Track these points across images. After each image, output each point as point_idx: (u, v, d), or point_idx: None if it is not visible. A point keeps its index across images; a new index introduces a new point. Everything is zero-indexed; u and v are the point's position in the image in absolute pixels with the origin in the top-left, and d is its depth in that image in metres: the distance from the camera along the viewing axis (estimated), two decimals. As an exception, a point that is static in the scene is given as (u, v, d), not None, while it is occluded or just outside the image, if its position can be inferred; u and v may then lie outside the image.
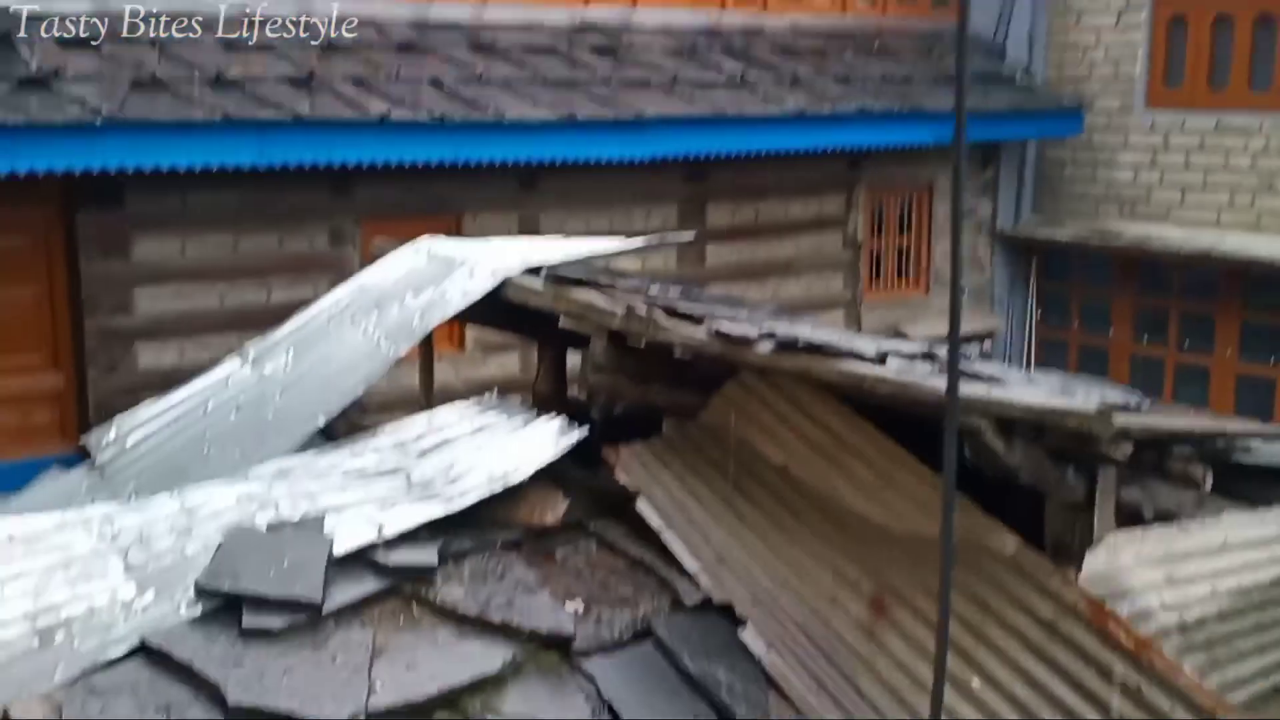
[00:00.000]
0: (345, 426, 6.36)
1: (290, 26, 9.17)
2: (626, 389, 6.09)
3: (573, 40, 10.59)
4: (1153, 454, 4.81)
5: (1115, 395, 4.89)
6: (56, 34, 8.07)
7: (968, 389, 4.59)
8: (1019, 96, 12.53)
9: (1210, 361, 12.47)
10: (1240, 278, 12.10)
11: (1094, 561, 4.27)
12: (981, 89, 12.21)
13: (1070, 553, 4.43)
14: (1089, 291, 13.41)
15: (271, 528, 4.69)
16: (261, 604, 4.20)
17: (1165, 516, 4.83)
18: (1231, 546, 4.67)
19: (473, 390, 8.34)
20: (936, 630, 2.49)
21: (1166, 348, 12.80)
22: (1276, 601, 4.75)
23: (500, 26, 10.34)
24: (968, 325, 13.29)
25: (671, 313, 5.70)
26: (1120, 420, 4.26)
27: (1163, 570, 4.45)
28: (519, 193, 10.17)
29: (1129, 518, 4.71)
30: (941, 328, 12.59)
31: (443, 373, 9.26)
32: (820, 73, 11.49)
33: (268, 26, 9.07)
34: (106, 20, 8.39)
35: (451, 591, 4.54)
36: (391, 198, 9.44)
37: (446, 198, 9.74)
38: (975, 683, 4.23)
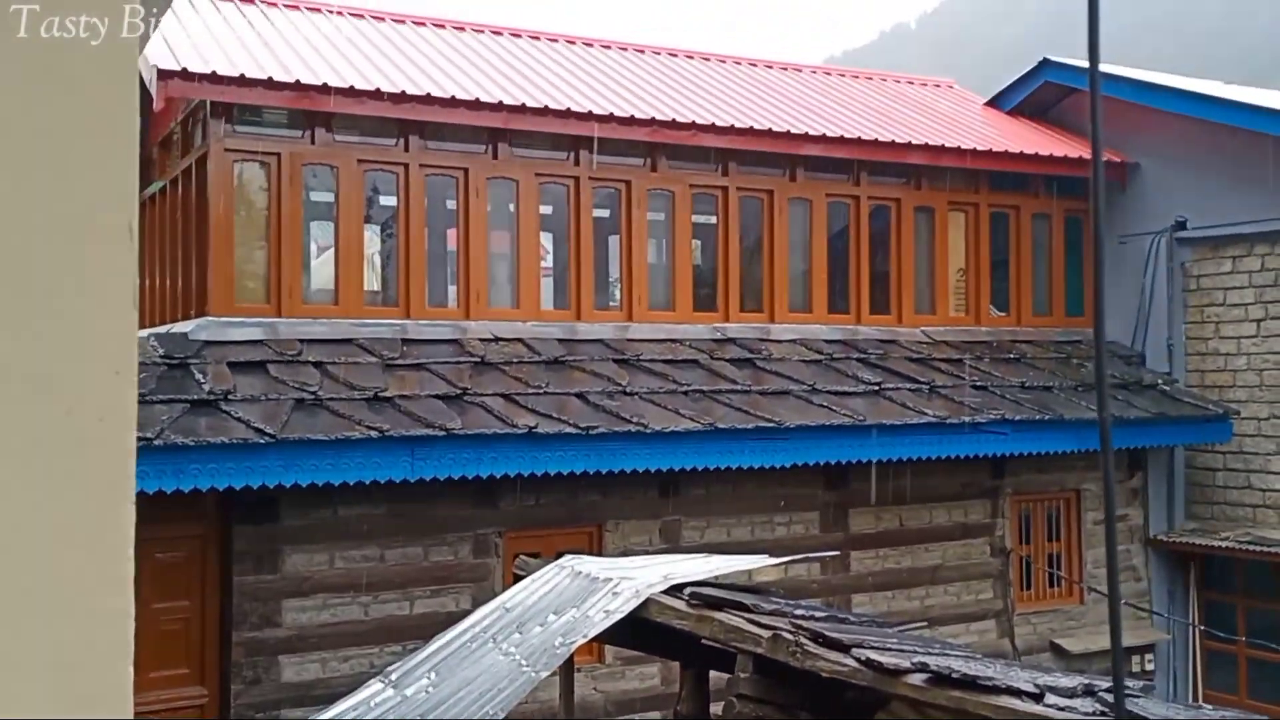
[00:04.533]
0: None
1: (445, 347, 9.74)
2: (772, 716, 5.90)
3: (713, 353, 10.96)
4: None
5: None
6: (230, 359, 8.71)
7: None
8: (1161, 403, 12.38)
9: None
10: None
11: None
12: (1123, 396, 12.14)
13: None
14: (1255, 603, 12.70)
15: None
16: None
17: None
18: None
19: (612, 704, 8.21)
20: None
21: (1347, 665, 11.92)
22: None
23: (644, 340, 10.79)
24: (1127, 639, 12.63)
25: (818, 638, 5.58)
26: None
27: None
28: (660, 501, 10.29)
29: None
30: (1100, 640, 12.07)
31: (580, 685, 9.14)
32: (957, 381, 11.58)
33: (424, 348, 9.64)
34: (276, 345, 9.05)
35: None
36: (534, 508, 9.65)
37: (588, 507, 9.91)
38: None
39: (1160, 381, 12.80)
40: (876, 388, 10.99)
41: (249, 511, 8.70)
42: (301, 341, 9.25)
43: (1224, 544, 12.54)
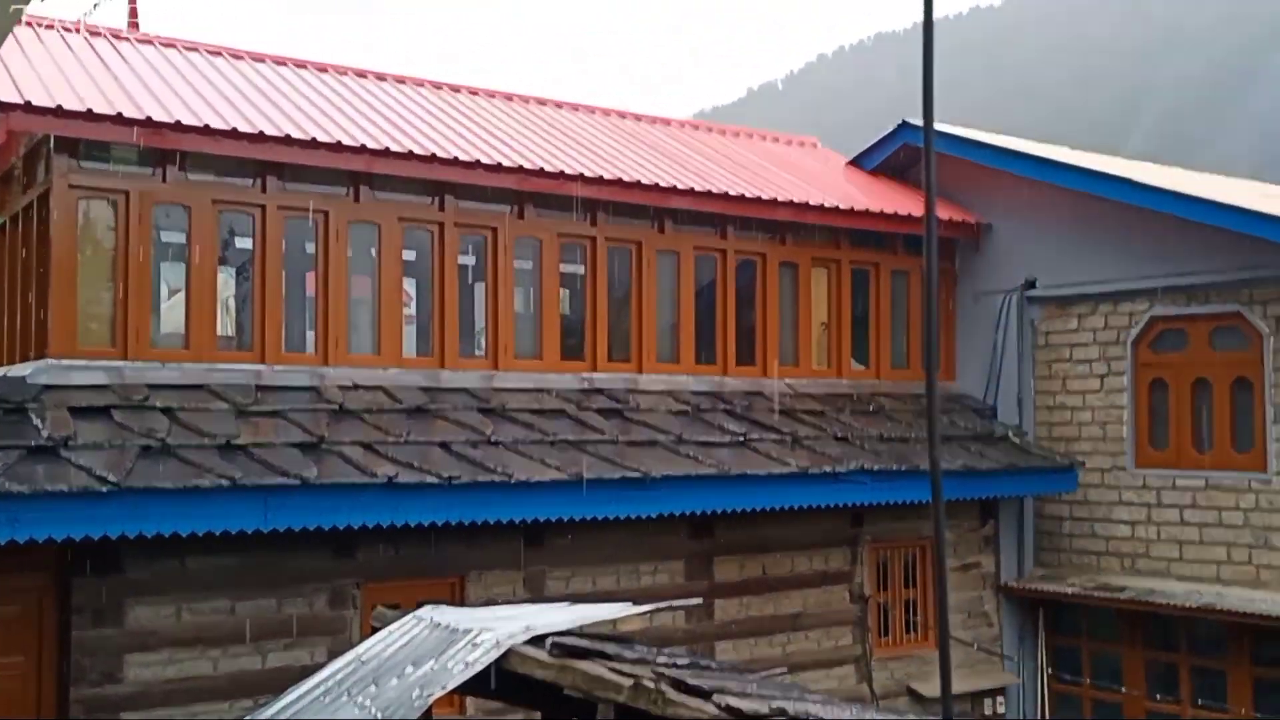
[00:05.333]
0: (337, 810, 6.03)
1: (303, 394, 9.50)
2: (634, 767, 5.84)
3: (580, 403, 10.94)
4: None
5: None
6: (71, 403, 8.34)
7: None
8: (1012, 455, 12.80)
9: (1226, 719, 12.06)
10: (1248, 633, 11.91)
11: None
12: (976, 448, 12.52)
13: None
14: (1099, 646, 13.16)
15: None
16: None
17: None
18: None
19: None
20: None
21: (1180, 704, 12.42)
22: None
23: (510, 390, 10.71)
24: (980, 681, 12.94)
25: (680, 685, 5.56)
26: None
27: None
28: (524, 551, 10.18)
29: None
30: (955, 684, 12.28)
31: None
32: (820, 433, 11.79)
33: (281, 395, 9.39)
34: (121, 390, 8.70)
35: None
36: (395, 559, 9.44)
37: (450, 559, 9.74)
38: None
39: (1011, 434, 13.25)
40: (742, 438, 11.10)
41: (90, 563, 8.30)
42: (149, 386, 8.91)
43: (1071, 590, 12.98)
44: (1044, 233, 13.81)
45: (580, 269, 11.68)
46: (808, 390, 12.79)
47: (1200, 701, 12.29)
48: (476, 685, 6.64)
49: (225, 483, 7.83)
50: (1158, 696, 12.59)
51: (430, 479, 8.65)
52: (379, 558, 9.40)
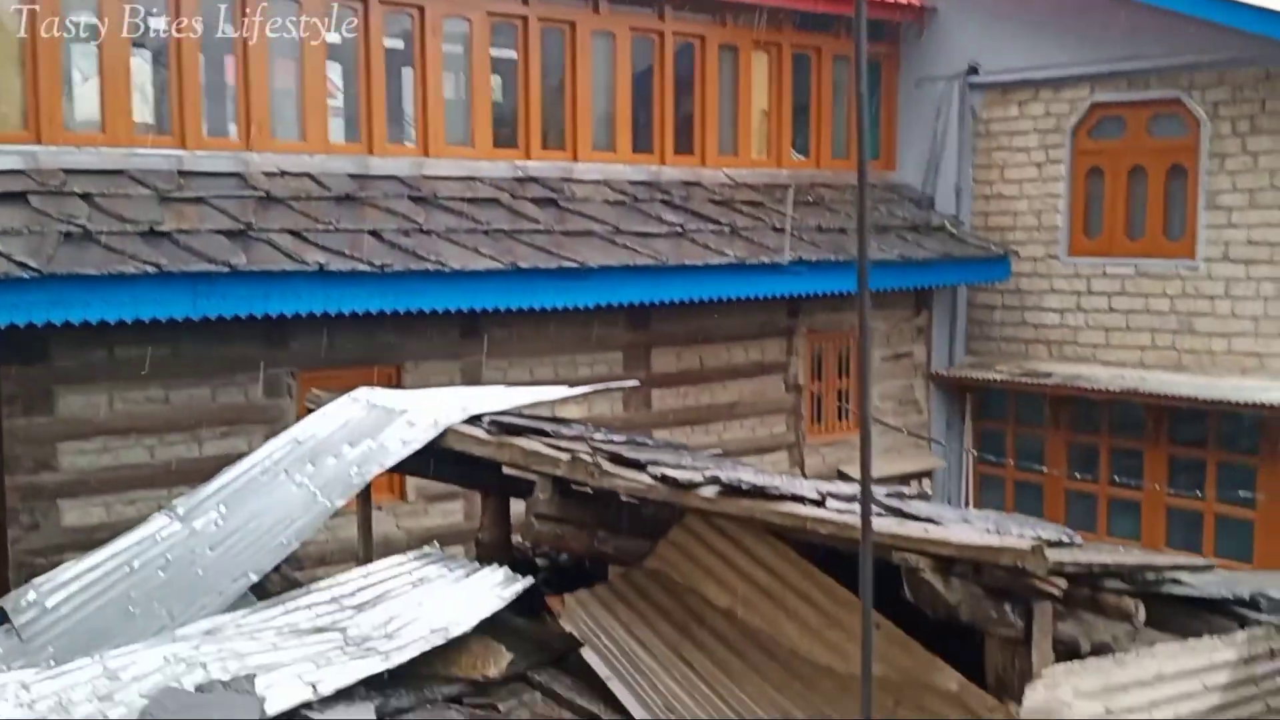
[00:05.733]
0: (280, 583, 6.15)
1: (227, 180, 9.22)
2: (571, 537, 6.01)
3: (514, 192, 10.75)
4: (1087, 589, 4.81)
5: (1048, 532, 4.91)
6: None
7: (906, 529, 4.63)
8: (948, 244, 12.87)
9: (1141, 495, 12.62)
10: (1165, 415, 12.35)
11: (1034, 696, 4.25)
12: (912, 238, 12.56)
13: (1010, 688, 4.42)
14: (1023, 430, 13.59)
15: (200, 689, 4.46)
16: (187, 773, 3.96)
17: (1101, 650, 4.84)
18: (1166, 678, 4.67)
19: (415, 541, 8.19)
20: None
21: (1099, 483, 12.96)
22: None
23: (442, 178, 10.48)
24: (907, 465, 13.37)
25: (616, 459, 5.66)
26: (1054, 556, 4.29)
27: (1101, 703, 4.43)
28: (460, 342, 10.16)
29: (1067, 652, 4.72)
30: (883, 467, 12.71)
31: (383, 523, 9.09)
32: (758, 224, 11.74)
33: (204, 181, 9.11)
34: (37, 175, 8.38)
35: (390, 752, 4.33)
36: (329, 349, 9.37)
37: (386, 348, 9.70)
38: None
39: (947, 224, 13.30)
40: (680, 229, 11.03)
41: (16, 352, 8.15)
42: (65, 172, 8.57)
43: (999, 377, 13.32)
44: (988, 16, 13.52)
45: (512, 53, 11.29)
46: (746, 180, 12.66)
47: (1117, 480, 12.82)
48: (416, 466, 6.72)
49: (152, 269, 7.65)
50: (1077, 475, 13.11)
51: (362, 267, 8.52)
52: (313, 347, 9.33)
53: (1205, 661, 4.92)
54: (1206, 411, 11.93)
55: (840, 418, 13.13)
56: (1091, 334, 13.07)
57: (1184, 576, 5.67)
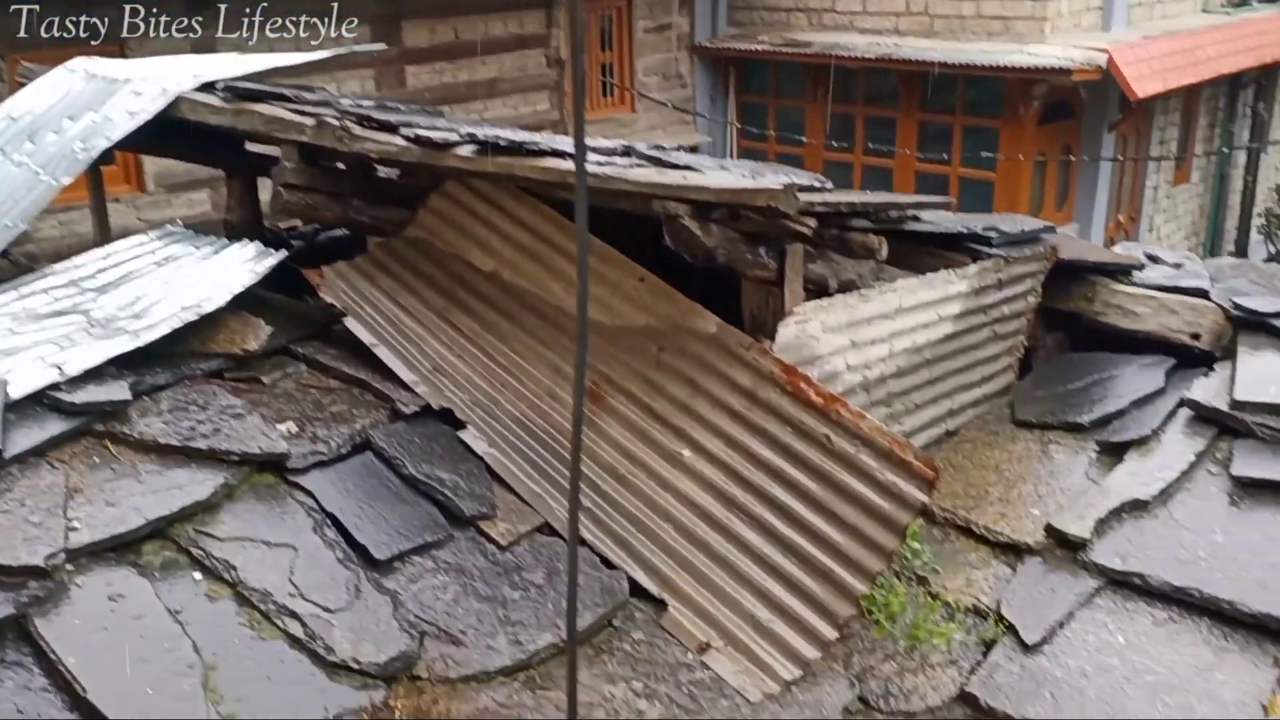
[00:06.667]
0: (10, 270, 5.75)
1: None
2: (324, 207, 5.76)
3: None
4: (835, 230, 5.02)
5: (803, 179, 5.05)
6: None
7: (665, 177, 4.64)
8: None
9: (893, 163, 13.19)
10: (917, 83, 12.73)
11: (785, 332, 4.48)
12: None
13: (765, 326, 4.63)
14: (784, 102, 13.81)
15: (-71, 378, 4.19)
16: (-74, 457, 3.77)
17: (847, 287, 5.12)
18: (905, 310, 5.01)
19: (158, 231, 7.75)
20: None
21: (854, 151, 13.43)
22: (944, 358, 5.17)
23: None
24: (671, 141, 13.44)
25: (366, 121, 5.39)
26: (804, 196, 4.41)
27: (847, 335, 4.72)
28: (188, 12, 9.32)
29: (816, 291, 4.97)
30: (649, 140, 12.69)
31: (123, 215, 8.58)
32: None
33: None
34: None
35: (150, 425, 4.21)
36: (41, 24, 8.45)
37: (106, 23, 8.82)
38: (685, 454, 4.38)
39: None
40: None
41: None
42: None
43: (761, 47, 13.34)
44: None
45: None
46: None
47: (871, 147, 13.31)
48: (149, 143, 6.25)
49: None
50: (834, 145, 13.52)
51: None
52: (24, 24, 8.40)
53: (941, 294, 5.27)
54: (954, 78, 12.34)
55: (605, 94, 12.96)
56: (849, 2, 13.15)
57: (925, 215, 5.98)
